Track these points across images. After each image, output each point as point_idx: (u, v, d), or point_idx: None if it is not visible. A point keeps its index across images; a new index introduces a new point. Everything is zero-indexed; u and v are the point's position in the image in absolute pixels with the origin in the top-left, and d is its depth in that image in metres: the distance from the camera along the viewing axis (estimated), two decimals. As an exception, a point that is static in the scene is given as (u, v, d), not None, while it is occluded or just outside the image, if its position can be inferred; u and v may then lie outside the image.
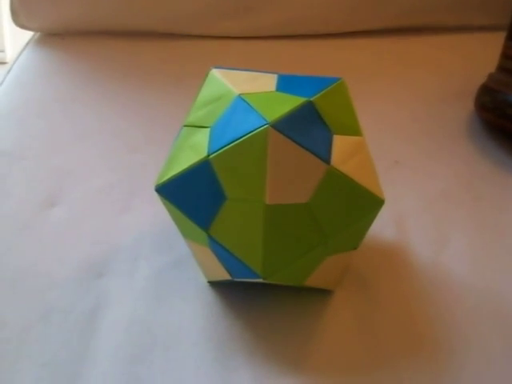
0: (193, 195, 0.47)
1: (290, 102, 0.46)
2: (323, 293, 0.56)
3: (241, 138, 0.44)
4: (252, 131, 0.44)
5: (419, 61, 0.98)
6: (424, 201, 0.69)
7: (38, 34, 1.06)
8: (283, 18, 1.02)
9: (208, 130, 0.48)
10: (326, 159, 0.46)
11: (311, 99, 0.47)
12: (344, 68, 0.87)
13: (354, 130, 0.50)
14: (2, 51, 1.66)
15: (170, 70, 0.94)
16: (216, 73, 0.52)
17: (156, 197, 0.50)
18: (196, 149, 0.48)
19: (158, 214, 0.61)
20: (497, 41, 0.82)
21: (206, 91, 0.52)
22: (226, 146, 0.45)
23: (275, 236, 0.45)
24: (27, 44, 1.04)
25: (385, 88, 0.90)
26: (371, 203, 0.48)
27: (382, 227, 0.63)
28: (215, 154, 0.45)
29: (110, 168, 0.73)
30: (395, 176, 0.72)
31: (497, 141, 0.78)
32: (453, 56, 0.98)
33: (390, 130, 0.81)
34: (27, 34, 1.07)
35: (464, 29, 1.04)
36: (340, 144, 0.48)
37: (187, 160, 0.48)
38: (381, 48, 1.01)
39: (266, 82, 0.51)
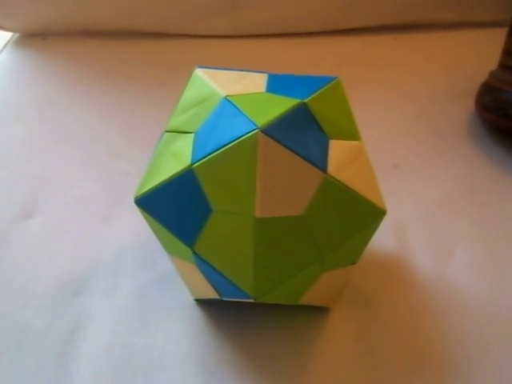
0: (175, 208, 0.43)
1: (282, 104, 0.42)
2: (320, 311, 0.52)
3: (228, 144, 0.40)
4: (240, 137, 0.39)
5: (418, 59, 0.94)
6: (425, 208, 0.65)
7: (17, 34, 1.02)
8: (274, 15, 0.97)
9: (192, 135, 0.44)
10: (322, 167, 0.41)
11: (305, 101, 0.43)
12: (338, 67, 0.84)
13: (351, 133, 0.46)
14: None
15: (154, 71, 0.90)
16: (200, 73, 0.48)
17: (138, 207, 0.46)
18: (178, 157, 0.43)
19: (141, 226, 0.57)
20: (499, 37, 0.78)
21: (190, 93, 0.47)
22: (211, 153, 0.40)
23: (267, 252, 0.41)
24: (5, 45, 1.00)
25: (381, 88, 0.86)
26: (372, 214, 0.44)
27: (380, 238, 0.59)
28: (199, 162, 0.41)
29: (90, 176, 0.69)
30: (393, 181, 0.68)
31: (500, 143, 0.74)
32: (452, 53, 0.94)
33: (386, 132, 0.77)
34: (5, 36, 1.02)
35: (463, 25, 1.00)
36: (337, 150, 0.43)
37: (169, 169, 0.43)
38: (377, 46, 0.97)
39: (255, 83, 0.47)
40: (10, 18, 0.98)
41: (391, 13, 0.99)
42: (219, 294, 0.46)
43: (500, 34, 0.79)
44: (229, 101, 0.43)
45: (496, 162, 0.71)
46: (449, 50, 0.95)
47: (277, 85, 0.47)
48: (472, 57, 0.92)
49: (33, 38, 1.00)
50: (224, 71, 0.48)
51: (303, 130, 0.42)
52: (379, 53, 0.95)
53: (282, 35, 0.98)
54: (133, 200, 0.45)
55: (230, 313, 0.52)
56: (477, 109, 0.77)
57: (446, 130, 0.77)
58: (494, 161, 0.72)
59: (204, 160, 0.41)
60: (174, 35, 0.98)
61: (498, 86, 0.73)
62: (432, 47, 0.96)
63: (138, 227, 0.60)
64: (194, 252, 0.43)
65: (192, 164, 0.41)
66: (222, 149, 0.40)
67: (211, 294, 0.47)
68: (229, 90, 0.45)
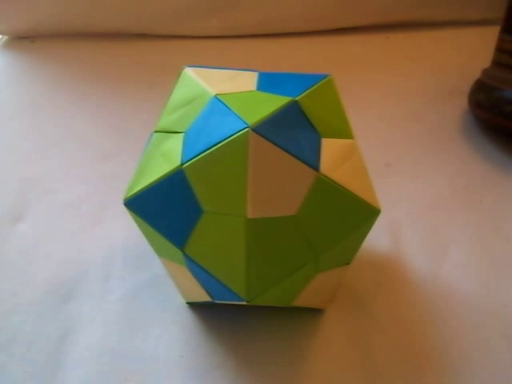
0: (165, 209, 0.42)
1: (273, 103, 0.41)
2: (314, 312, 0.52)
3: (218, 143, 0.39)
4: (230, 136, 0.38)
5: (409, 57, 0.93)
6: (419, 207, 0.64)
7: (6, 37, 1.01)
8: (264, 15, 0.97)
9: (181, 135, 0.43)
10: (315, 166, 0.40)
11: (296, 98, 0.42)
12: (330, 67, 0.83)
13: (344, 132, 0.45)
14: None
15: (144, 73, 0.89)
16: (189, 72, 0.47)
17: (128, 209, 0.45)
18: (168, 157, 0.42)
19: (131, 229, 0.56)
20: (490, 35, 0.78)
21: (179, 93, 0.46)
22: (201, 153, 0.39)
23: (259, 254, 0.40)
24: (-7, 48, 0.99)
25: (373, 87, 0.86)
26: (366, 213, 0.43)
27: (375, 238, 0.59)
28: (189, 162, 0.40)
29: (79, 179, 0.68)
30: (387, 181, 0.67)
31: (494, 140, 0.74)
32: (444, 52, 0.94)
33: (378, 131, 0.76)
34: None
35: (454, 24, 0.99)
36: (329, 148, 0.42)
37: (158, 170, 0.42)
38: (368, 45, 0.96)
39: (246, 81, 0.46)
40: (-2, 21, 0.97)
41: (382, 12, 0.99)
42: (211, 297, 0.46)
43: (491, 33, 0.79)
44: (219, 99, 0.42)
45: (490, 160, 0.71)
46: (440, 48, 0.95)
47: (268, 83, 0.46)
48: (463, 55, 0.91)
49: (22, 40, 0.99)
50: (214, 70, 0.48)
51: (295, 128, 0.41)
52: (370, 52, 0.94)
53: (272, 35, 0.98)
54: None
55: (222, 316, 0.52)
56: (470, 107, 0.76)
57: (438, 128, 0.77)
58: (487, 159, 0.71)
59: (194, 160, 0.40)
60: (163, 36, 0.97)
61: (491, 84, 0.72)
62: (423, 46, 0.96)
63: (128, 230, 0.59)
64: (185, 254, 0.42)
65: (182, 164, 0.40)
66: (212, 148, 0.39)
67: (203, 296, 0.46)
68: (219, 88, 0.44)
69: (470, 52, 0.90)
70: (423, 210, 0.64)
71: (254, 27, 0.98)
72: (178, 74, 0.48)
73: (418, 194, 0.66)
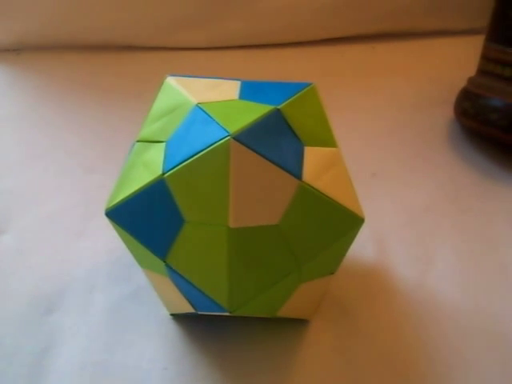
0: (147, 219, 0.42)
1: (255, 111, 0.41)
2: (299, 323, 0.51)
3: (199, 152, 0.38)
4: (211, 144, 0.38)
5: (395, 67, 0.93)
6: (406, 216, 0.64)
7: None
8: (251, 27, 0.96)
9: (163, 144, 0.43)
10: (297, 174, 0.40)
11: (279, 107, 0.42)
12: (316, 77, 0.82)
13: (327, 140, 0.45)
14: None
15: (131, 84, 0.88)
16: (172, 81, 0.47)
17: (113, 221, 0.44)
18: (150, 166, 0.42)
19: (116, 240, 0.55)
20: (477, 44, 0.78)
21: (161, 102, 0.46)
22: (182, 162, 0.39)
23: (242, 264, 0.40)
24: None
25: (359, 96, 0.85)
26: (350, 222, 0.43)
27: (360, 247, 0.58)
28: (171, 171, 0.40)
29: (64, 190, 0.67)
30: (373, 190, 0.67)
31: (480, 148, 0.74)
32: (431, 62, 0.94)
33: (365, 139, 0.76)
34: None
35: (441, 33, 0.99)
36: (312, 157, 0.42)
37: (140, 179, 0.42)
38: (355, 55, 0.96)
39: (228, 90, 0.46)
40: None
41: (368, 22, 0.99)
42: (194, 308, 0.45)
43: (477, 42, 0.79)
44: (200, 108, 0.42)
45: (477, 168, 0.71)
46: (426, 58, 0.95)
47: (250, 91, 0.46)
48: (450, 65, 0.91)
49: (7, 52, 0.98)
50: (196, 79, 0.47)
51: (277, 136, 0.41)
52: (357, 62, 0.94)
53: (259, 46, 0.97)
54: (105, 213, 0.44)
55: (207, 327, 0.51)
56: (456, 115, 0.76)
57: (425, 137, 0.77)
58: (474, 167, 0.71)
59: (175, 169, 0.39)
60: (150, 48, 0.96)
61: (476, 92, 0.72)
62: (409, 56, 0.96)
63: (113, 241, 0.58)
64: (167, 264, 0.42)
65: (163, 174, 0.40)
66: (194, 157, 0.39)
67: (187, 308, 0.46)
68: (201, 97, 0.44)
69: (457, 61, 0.90)
70: (410, 218, 0.64)
71: (241, 39, 0.97)
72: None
73: (403, 202, 0.66)
